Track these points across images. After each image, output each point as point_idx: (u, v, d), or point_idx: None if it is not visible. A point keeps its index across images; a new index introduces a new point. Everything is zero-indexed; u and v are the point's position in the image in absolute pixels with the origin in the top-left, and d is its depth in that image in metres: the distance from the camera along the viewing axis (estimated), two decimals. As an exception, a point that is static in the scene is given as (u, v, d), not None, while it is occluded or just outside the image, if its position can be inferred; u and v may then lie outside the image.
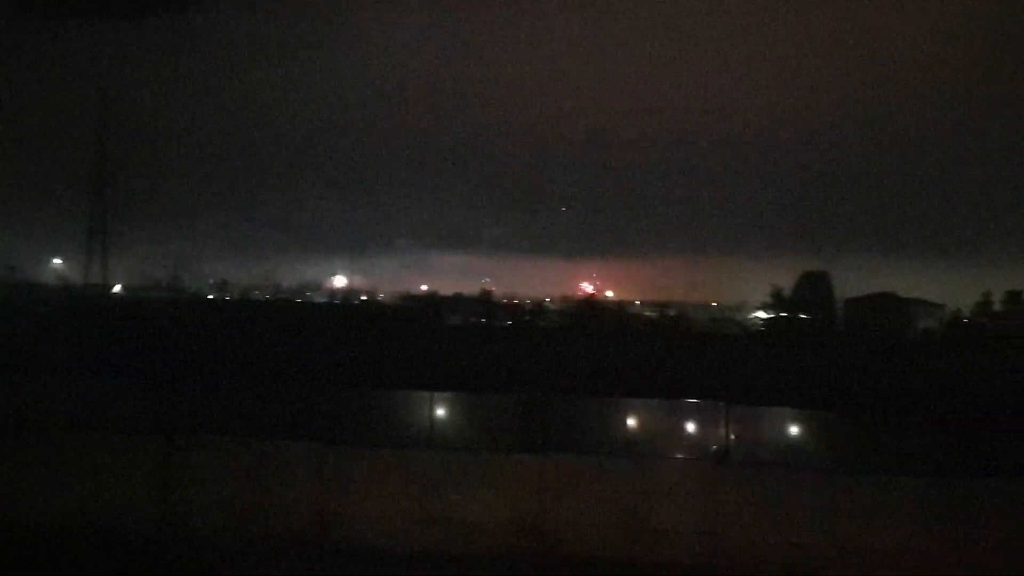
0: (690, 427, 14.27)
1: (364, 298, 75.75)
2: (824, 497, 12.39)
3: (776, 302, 59.17)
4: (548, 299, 73.31)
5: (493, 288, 70.84)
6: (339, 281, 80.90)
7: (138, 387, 15.19)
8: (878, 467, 12.57)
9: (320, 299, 74.90)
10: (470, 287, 74.00)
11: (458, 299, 68.92)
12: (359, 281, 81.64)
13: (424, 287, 76.29)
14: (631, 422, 14.26)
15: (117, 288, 69.23)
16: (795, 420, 13.86)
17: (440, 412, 14.50)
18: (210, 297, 70.21)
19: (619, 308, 65.06)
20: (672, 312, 61.29)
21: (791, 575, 12.24)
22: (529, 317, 61.16)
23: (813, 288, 59.37)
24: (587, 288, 77.66)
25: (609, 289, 78.54)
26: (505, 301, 69.60)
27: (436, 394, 14.60)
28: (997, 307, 58.04)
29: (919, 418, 13.33)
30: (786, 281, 60.07)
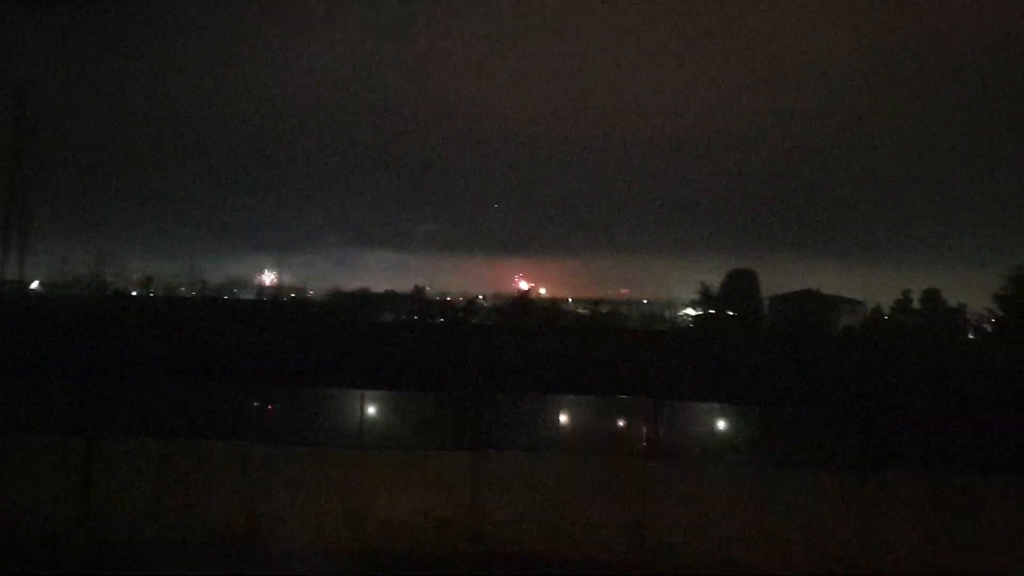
0: (621, 423, 14.41)
1: (293, 295, 74.76)
2: (750, 491, 12.63)
3: (704, 299, 60.28)
4: (481, 296, 73.43)
5: (427, 286, 70.60)
6: (267, 278, 79.63)
7: (58, 387, 14.72)
8: (803, 461, 12.87)
9: (248, 296, 73.67)
10: (402, 284, 73.61)
11: (390, 296, 68.50)
12: (288, 278, 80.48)
13: (355, 284, 75.62)
14: (563, 418, 14.34)
15: (35, 284, 67.01)
16: (723, 415, 14.11)
17: (371, 410, 14.39)
18: (134, 294, 68.49)
19: (552, 305, 65.45)
20: (604, 309, 61.97)
21: (717, 569, 12.46)
22: (461, 314, 61.13)
23: (740, 286, 60.62)
24: (521, 285, 77.87)
25: (542, 287, 78.93)
26: (437, 298, 69.46)
27: (367, 392, 14.47)
28: (916, 305, 60.06)
29: (840, 412, 13.68)
30: (714, 279, 61.30)
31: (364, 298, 67.01)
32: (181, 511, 13.26)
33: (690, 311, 62.54)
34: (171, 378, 16.38)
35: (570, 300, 72.21)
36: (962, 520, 12.16)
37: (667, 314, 64.87)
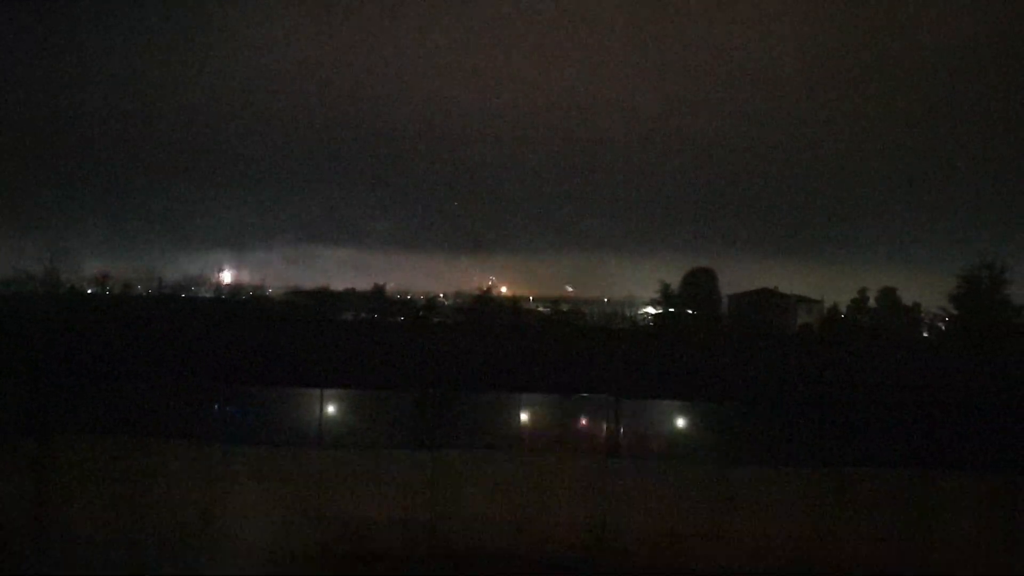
0: (582, 421, 14.42)
1: (252, 293, 73.96)
2: (709, 488, 12.69)
3: (664, 298, 60.71)
4: (442, 295, 73.30)
5: (387, 284, 70.13)
6: (225, 276, 78.62)
7: (11, 386, 14.39)
8: (762, 458, 12.96)
9: (206, 294, 72.75)
10: (361, 282, 72.99)
11: (349, 294, 67.90)
12: (246, 276, 79.59)
13: (314, 282, 74.92)
14: (524, 417, 14.30)
15: (-13, 282, 65.57)
16: (682, 412, 14.17)
17: (330, 409, 14.24)
18: (89, 292, 67.33)
19: (513, 304, 65.49)
20: (565, 308, 62.22)
21: (677, 567, 12.50)
22: (422, 313, 60.96)
23: (699, 284, 61.05)
24: (481, 284, 77.88)
25: (503, 285, 79.00)
26: (398, 296, 69.16)
27: (326, 391, 14.33)
28: (872, 303, 61.04)
29: (798, 409, 13.81)
30: (674, 278, 61.69)
31: (324, 296, 66.45)
32: (137, 510, 13.02)
33: (650, 309, 62.98)
34: (127, 377, 16.10)
35: (531, 299, 72.30)
36: (920, 516, 12.31)
37: (628, 312, 65.23)
